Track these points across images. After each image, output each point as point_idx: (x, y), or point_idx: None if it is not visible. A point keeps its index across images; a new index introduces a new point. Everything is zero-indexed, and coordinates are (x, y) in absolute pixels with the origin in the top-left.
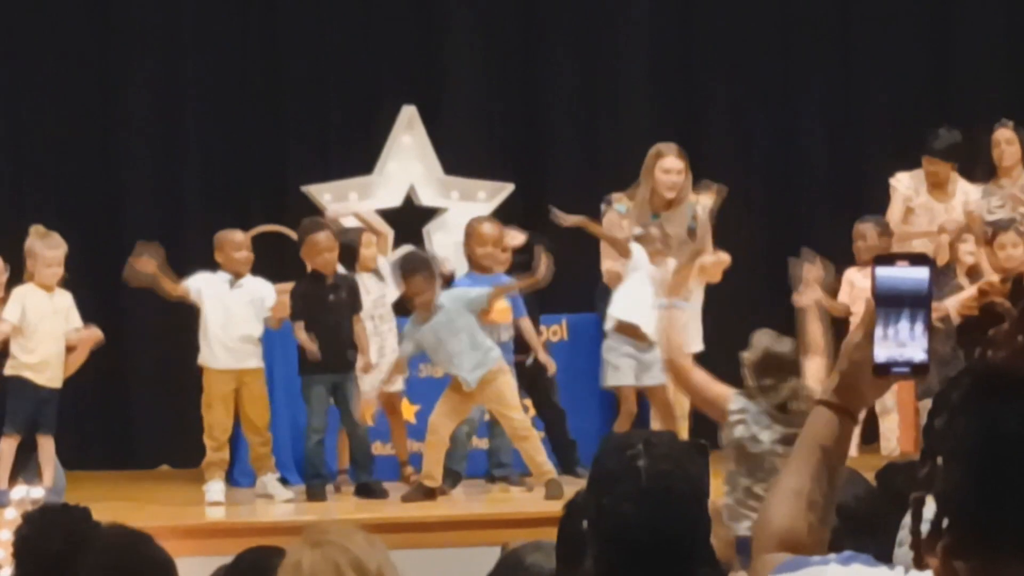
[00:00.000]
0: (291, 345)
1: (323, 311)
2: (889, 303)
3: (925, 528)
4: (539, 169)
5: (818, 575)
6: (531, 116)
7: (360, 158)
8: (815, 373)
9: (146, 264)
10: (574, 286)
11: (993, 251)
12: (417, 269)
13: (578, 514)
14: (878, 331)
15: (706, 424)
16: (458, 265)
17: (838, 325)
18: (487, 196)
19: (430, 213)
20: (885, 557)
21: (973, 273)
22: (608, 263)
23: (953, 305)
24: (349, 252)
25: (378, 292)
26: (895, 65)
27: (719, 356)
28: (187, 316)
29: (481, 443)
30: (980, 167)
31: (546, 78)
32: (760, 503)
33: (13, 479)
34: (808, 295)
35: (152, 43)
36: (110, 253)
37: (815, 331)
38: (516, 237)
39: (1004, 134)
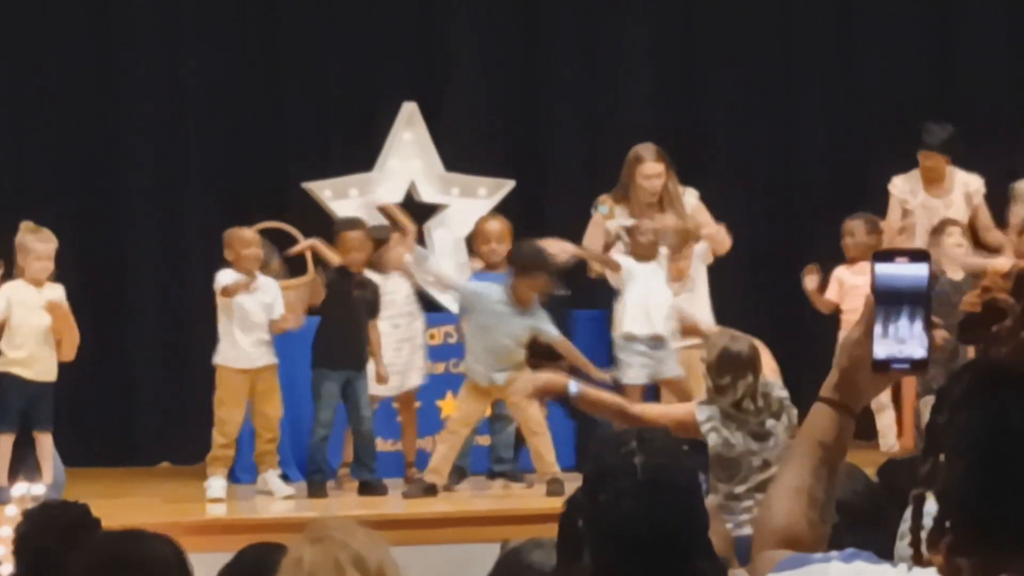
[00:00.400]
0: (291, 343)
1: (345, 306)
2: (888, 300)
3: (925, 525)
4: (539, 166)
5: (821, 573)
6: (531, 113)
7: (361, 155)
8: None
9: None
10: (573, 285)
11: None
12: (544, 267)
13: (578, 511)
14: (877, 328)
15: None
16: (458, 261)
17: (828, 322)
18: (487, 192)
19: (431, 209)
20: (885, 553)
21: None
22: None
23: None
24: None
25: (406, 291)
26: (895, 65)
27: None
28: (188, 313)
29: (482, 439)
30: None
31: (546, 75)
32: (743, 503)
33: (13, 476)
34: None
35: (152, 43)
36: (110, 253)
37: None
38: (565, 250)
39: None
